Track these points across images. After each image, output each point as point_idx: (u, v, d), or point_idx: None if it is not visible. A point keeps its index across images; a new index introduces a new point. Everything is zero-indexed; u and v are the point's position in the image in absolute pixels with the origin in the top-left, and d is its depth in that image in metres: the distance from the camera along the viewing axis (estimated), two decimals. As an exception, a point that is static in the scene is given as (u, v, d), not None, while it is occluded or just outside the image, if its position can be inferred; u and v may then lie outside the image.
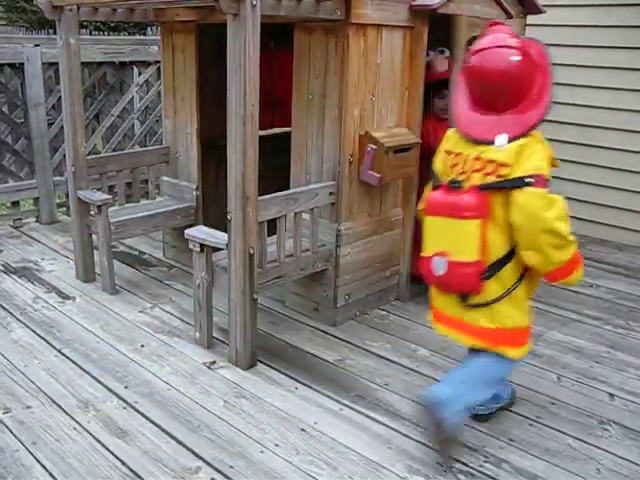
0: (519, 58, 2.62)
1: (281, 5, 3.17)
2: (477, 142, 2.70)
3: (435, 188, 2.82)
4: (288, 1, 3.18)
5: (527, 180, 2.54)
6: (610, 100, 5.62)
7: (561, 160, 5.39)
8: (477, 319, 2.76)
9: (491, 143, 2.65)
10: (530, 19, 4.77)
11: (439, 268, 2.73)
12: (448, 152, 2.85)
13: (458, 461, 2.80)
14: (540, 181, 2.55)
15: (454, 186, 2.68)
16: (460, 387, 2.77)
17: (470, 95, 2.77)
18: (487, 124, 2.71)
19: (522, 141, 2.61)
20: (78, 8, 4.15)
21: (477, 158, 2.68)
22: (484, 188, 2.63)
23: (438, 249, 2.72)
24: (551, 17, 5.03)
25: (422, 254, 2.84)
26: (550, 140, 2.79)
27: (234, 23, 3.00)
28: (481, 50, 2.67)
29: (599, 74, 5.63)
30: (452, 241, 2.67)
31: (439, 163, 2.92)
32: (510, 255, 2.69)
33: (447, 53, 4.19)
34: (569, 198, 6.07)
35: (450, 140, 2.87)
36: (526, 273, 2.75)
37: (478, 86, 2.72)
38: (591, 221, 5.85)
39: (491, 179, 2.63)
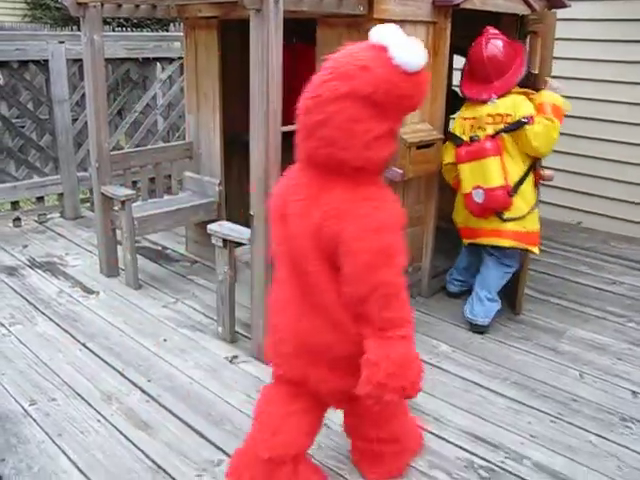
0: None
1: (304, 0, 3.17)
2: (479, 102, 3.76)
3: (459, 145, 3.77)
4: (311, -3, 3.18)
5: (523, 120, 3.60)
6: (633, 96, 5.57)
7: (589, 158, 5.41)
8: (512, 227, 3.73)
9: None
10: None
11: (478, 197, 3.67)
12: (464, 118, 3.83)
13: (479, 457, 2.81)
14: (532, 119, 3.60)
15: (474, 139, 3.69)
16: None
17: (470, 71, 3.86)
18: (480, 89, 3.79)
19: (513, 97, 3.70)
20: (102, 5, 4.20)
21: (488, 115, 3.69)
22: (496, 134, 3.66)
23: (474, 184, 3.66)
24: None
25: (463, 192, 3.77)
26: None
27: (257, 19, 3.01)
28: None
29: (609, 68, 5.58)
30: (482, 176, 3.64)
31: (459, 128, 3.85)
32: (525, 176, 3.71)
33: None
34: (593, 195, 5.98)
35: (464, 111, 3.86)
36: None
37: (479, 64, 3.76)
38: (615, 218, 5.80)
39: (500, 127, 3.66)
